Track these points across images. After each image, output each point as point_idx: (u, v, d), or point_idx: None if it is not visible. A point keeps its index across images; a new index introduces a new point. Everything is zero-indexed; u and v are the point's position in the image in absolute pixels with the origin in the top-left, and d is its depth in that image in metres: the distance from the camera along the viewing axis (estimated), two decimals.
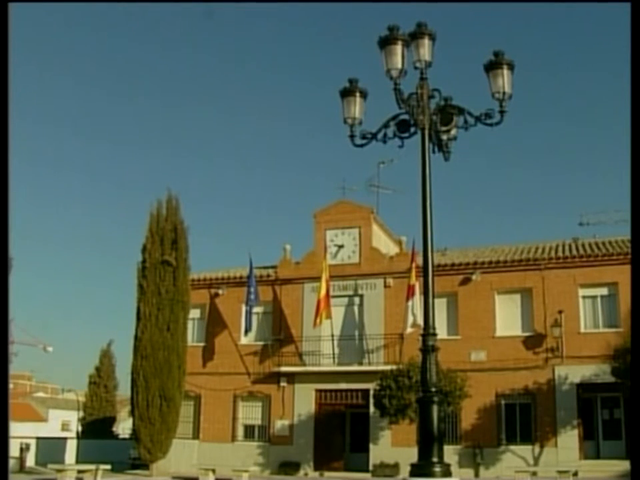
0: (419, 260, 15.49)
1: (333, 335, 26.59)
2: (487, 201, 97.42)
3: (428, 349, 8.32)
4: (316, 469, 26.42)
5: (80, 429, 43.86)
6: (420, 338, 8.68)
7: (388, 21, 8.93)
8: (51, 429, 54.67)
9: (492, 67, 8.85)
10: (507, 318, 25.90)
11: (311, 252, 28.69)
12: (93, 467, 20.99)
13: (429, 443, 8.01)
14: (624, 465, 21.02)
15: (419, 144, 8.86)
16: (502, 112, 8.83)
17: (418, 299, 23.69)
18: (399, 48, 8.80)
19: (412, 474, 8.02)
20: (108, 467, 21.89)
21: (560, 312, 24.79)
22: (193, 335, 29.03)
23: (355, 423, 27.94)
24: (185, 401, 27.37)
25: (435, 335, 8.41)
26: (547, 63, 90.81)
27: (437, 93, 8.99)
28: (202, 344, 29.20)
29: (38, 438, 35.60)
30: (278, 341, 28.03)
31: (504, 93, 8.79)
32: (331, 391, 27.23)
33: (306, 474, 26.32)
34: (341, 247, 28.11)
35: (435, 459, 7.91)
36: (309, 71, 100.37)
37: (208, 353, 29.01)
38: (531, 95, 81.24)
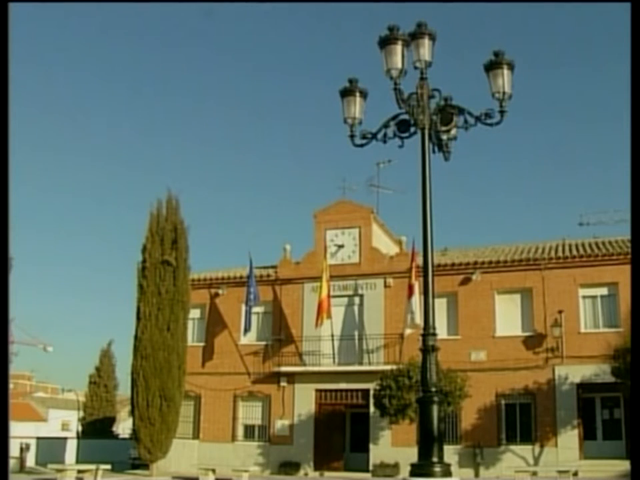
0: (419, 260, 15.51)
1: (332, 335, 26.57)
2: (487, 201, 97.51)
3: (428, 349, 8.33)
4: (316, 469, 26.41)
5: (80, 428, 43.84)
6: (420, 338, 8.69)
7: (388, 21, 8.93)
8: (50, 428, 54.66)
9: (492, 66, 8.86)
10: (507, 318, 25.88)
11: (311, 252, 28.67)
12: (93, 466, 21.05)
13: (429, 443, 8.02)
14: (624, 465, 21.02)
15: (419, 144, 8.87)
16: (502, 112, 8.84)
17: (418, 299, 23.69)
18: (398, 48, 8.82)
19: (412, 474, 8.02)
20: (108, 466, 21.95)
21: (560, 312, 24.78)
22: (193, 335, 29.02)
23: (355, 423, 27.93)
24: (185, 401, 27.35)
25: (435, 334, 8.41)
26: (547, 63, 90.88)
27: (436, 92, 9.00)
28: (202, 344, 29.19)
29: (38, 438, 35.63)
30: (278, 340, 28.02)
31: (504, 93, 8.81)
32: (330, 390, 27.22)
33: (306, 474, 26.31)
34: (341, 246, 28.09)
35: (435, 459, 7.91)
36: (309, 71, 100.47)
37: (208, 353, 29.01)
38: (531, 94, 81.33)
